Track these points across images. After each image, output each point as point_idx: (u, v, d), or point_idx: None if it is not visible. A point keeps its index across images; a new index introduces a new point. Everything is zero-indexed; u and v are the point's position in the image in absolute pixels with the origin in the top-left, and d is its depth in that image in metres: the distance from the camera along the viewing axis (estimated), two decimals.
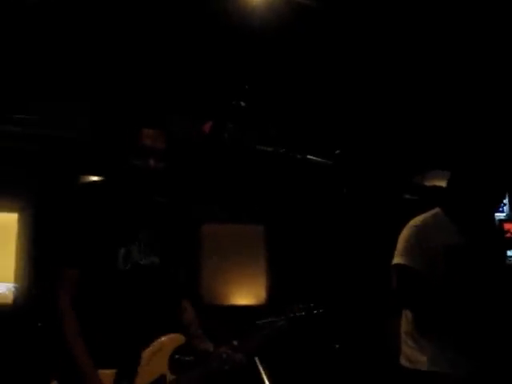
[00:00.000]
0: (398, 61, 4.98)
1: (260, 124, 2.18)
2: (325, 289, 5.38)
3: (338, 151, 2.25)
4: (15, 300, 5.78)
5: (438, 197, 3.11)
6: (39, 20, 4.47)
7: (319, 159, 2.24)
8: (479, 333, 2.86)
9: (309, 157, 2.23)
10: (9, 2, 4.23)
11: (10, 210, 5.90)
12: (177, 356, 2.40)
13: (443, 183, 3.19)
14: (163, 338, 2.38)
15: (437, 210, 3.09)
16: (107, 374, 2.21)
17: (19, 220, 5.89)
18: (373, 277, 4.86)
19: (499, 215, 7.26)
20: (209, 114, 2.34)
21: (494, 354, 2.88)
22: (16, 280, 5.81)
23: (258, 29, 4.55)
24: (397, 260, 2.96)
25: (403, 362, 3.01)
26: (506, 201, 7.39)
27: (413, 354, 2.95)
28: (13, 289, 5.83)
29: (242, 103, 2.15)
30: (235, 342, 2.48)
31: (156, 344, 2.36)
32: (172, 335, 2.42)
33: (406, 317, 3.04)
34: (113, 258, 2.28)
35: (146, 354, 2.32)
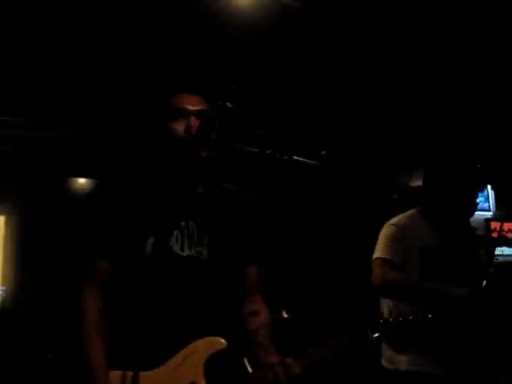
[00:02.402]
0: (384, 60, 5.00)
1: (247, 125, 2.16)
2: (313, 290, 5.39)
3: (324, 152, 2.24)
4: (2, 302, 5.76)
5: (421, 197, 3.14)
6: (26, 22, 4.45)
7: (306, 160, 2.22)
8: (454, 335, 2.88)
9: (295, 157, 2.21)
10: None
11: None
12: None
13: None
14: (198, 341, 2.05)
15: (413, 211, 3.13)
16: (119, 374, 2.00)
17: (6, 222, 5.87)
18: (360, 278, 4.87)
19: (486, 214, 7.31)
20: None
21: (469, 354, 2.91)
22: (3, 283, 5.79)
23: (245, 29, 4.56)
24: (377, 254, 3.00)
25: (384, 363, 3.03)
26: (492, 199, 7.45)
27: (392, 355, 2.97)
28: (0, 291, 5.81)
29: (229, 104, 2.12)
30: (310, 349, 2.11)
31: (189, 347, 2.05)
32: (210, 338, 2.07)
33: (384, 311, 3.06)
34: (139, 246, 2.11)
35: (174, 359, 2.04)
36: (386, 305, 3.05)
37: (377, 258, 2.99)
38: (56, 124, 5.58)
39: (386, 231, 3.06)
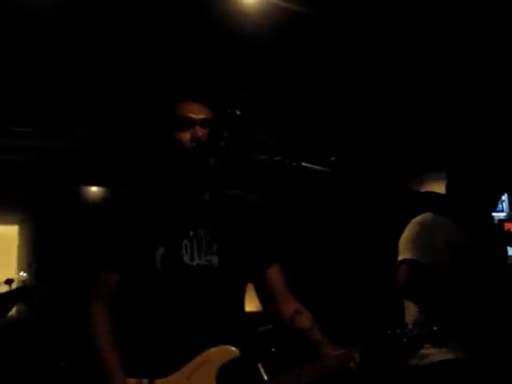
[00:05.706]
0: (394, 66, 4.99)
1: (255, 132, 2.16)
2: (325, 293, 5.37)
3: (333, 158, 2.24)
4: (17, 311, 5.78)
5: (431, 202, 3.15)
6: (37, 32, 4.49)
7: (315, 166, 2.22)
8: (481, 325, 2.88)
9: (304, 164, 2.20)
10: (7, 15, 4.24)
11: (11, 222, 5.95)
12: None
13: (441, 185, 3.23)
14: (211, 350, 2.04)
15: (430, 213, 3.12)
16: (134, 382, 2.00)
17: (20, 232, 5.93)
18: (367, 282, 4.86)
19: (499, 215, 7.26)
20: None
21: (494, 346, 2.91)
22: None
23: (253, 36, 4.56)
24: (405, 255, 3.00)
25: (414, 361, 2.93)
26: (505, 200, 7.40)
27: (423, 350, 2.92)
28: None
29: (238, 111, 2.12)
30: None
31: (201, 356, 2.03)
32: (222, 347, 2.05)
33: (410, 315, 3.05)
34: (149, 257, 2.09)
35: (187, 367, 2.02)
36: (409, 316, 3.04)
37: (405, 259, 2.98)
38: (66, 133, 5.62)
39: (411, 229, 3.07)
